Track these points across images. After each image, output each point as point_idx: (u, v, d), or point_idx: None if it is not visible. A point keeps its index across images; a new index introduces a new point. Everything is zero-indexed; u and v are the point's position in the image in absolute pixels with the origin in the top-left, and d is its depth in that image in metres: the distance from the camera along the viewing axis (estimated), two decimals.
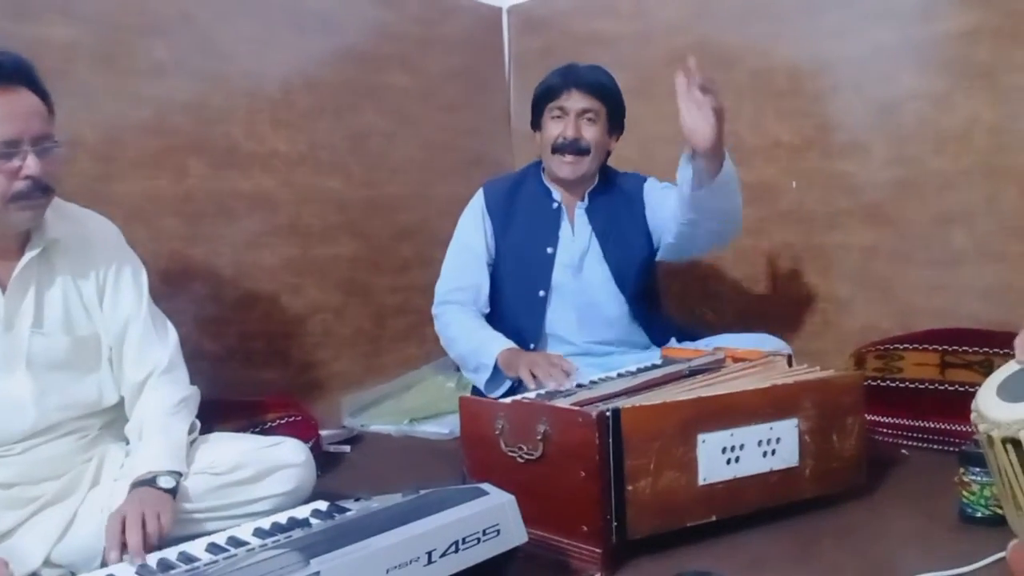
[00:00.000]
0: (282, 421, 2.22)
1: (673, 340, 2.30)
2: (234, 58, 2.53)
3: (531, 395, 1.78)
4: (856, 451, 1.80)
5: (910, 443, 2.15)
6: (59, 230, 1.60)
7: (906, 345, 2.31)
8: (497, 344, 2.13)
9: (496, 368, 2.11)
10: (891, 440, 2.18)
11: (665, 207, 2.24)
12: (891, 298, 2.58)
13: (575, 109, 2.22)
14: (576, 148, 2.22)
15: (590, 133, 2.23)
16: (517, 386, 2.05)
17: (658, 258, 2.36)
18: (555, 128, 2.24)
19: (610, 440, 1.51)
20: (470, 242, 2.33)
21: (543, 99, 2.28)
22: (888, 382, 2.27)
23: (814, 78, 2.68)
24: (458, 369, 2.53)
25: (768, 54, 2.76)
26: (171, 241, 2.39)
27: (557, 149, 2.24)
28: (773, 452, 1.68)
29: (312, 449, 1.81)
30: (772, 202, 2.78)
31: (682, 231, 2.16)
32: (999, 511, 1.54)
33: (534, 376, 1.94)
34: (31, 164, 1.47)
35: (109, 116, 2.26)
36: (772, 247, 2.80)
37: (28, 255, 1.56)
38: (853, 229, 2.64)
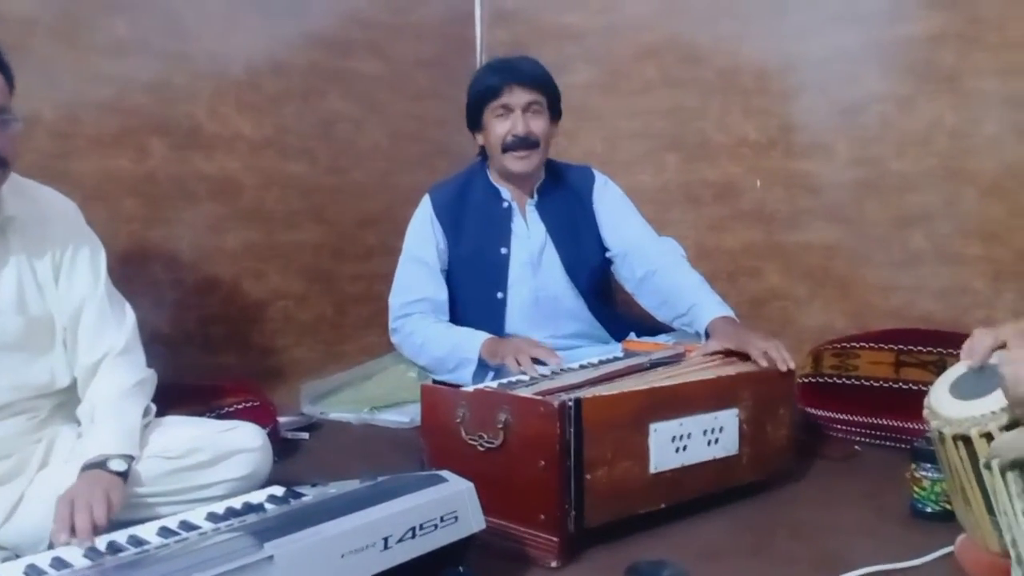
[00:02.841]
0: (240, 406, 2.19)
1: (632, 335, 2.31)
2: (199, 38, 2.48)
3: (492, 384, 1.77)
4: (786, 439, 1.88)
5: (863, 439, 2.18)
6: (15, 207, 1.55)
7: (862, 344, 2.35)
8: (477, 337, 2.13)
9: (480, 361, 2.10)
10: (845, 436, 2.21)
11: (622, 236, 2.31)
12: (849, 297, 2.62)
13: (520, 104, 2.20)
14: (527, 143, 2.22)
15: (537, 125, 2.23)
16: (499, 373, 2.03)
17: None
18: (501, 126, 2.22)
19: (571, 430, 1.51)
20: (421, 253, 2.31)
21: (483, 99, 2.23)
22: (843, 380, 2.30)
23: (780, 78, 2.71)
24: None
25: (735, 53, 2.78)
26: (130, 223, 2.35)
27: (509, 147, 2.22)
28: (716, 441, 1.73)
29: (269, 435, 1.79)
30: (735, 200, 2.81)
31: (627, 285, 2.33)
32: (948, 507, 1.57)
33: (520, 364, 1.93)
34: None
35: (68, 93, 2.21)
36: (734, 244, 2.82)
37: None
38: (814, 228, 2.67)
